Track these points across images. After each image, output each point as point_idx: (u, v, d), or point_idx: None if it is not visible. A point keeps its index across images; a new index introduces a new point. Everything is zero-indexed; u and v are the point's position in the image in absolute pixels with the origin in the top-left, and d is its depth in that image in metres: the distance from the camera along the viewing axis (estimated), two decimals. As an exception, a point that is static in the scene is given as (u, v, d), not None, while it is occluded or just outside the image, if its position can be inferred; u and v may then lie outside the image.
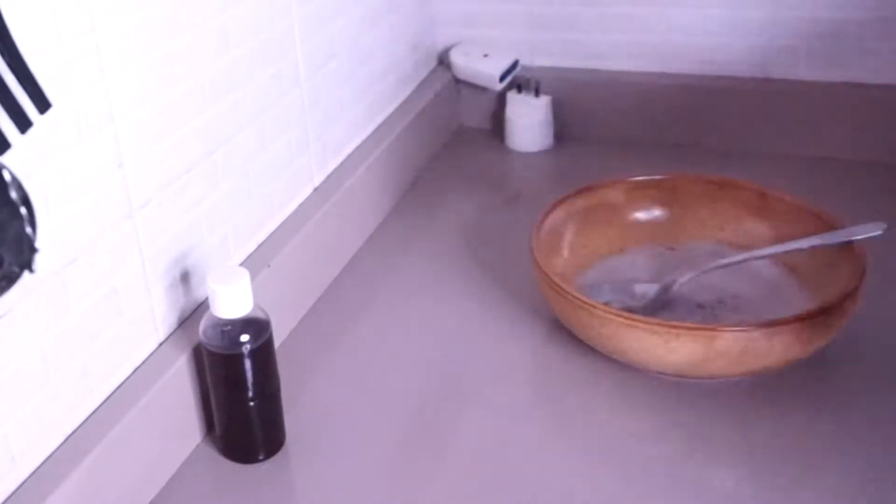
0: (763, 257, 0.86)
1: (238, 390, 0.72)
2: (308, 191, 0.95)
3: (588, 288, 0.86)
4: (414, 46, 1.17)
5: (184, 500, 0.71)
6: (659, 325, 0.74)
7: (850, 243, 0.81)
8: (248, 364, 0.71)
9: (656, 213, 0.93)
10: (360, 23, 1.01)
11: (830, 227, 0.84)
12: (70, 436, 0.66)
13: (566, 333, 0.83)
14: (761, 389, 0.78)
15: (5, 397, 0.60)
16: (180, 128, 0.74)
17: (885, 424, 0.74)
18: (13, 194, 0.52)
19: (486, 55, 1.21)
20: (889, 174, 1.07)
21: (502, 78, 1.19)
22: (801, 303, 0.81)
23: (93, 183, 0.65)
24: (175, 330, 0.76)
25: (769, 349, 0.74)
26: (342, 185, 0.97)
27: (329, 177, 0.98)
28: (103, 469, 0.66)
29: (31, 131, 0.55)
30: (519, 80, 1.20)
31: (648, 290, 0.86)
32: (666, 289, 0.85)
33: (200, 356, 0.73)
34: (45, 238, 0.60)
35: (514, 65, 1.20)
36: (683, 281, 0.85)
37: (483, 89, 1.22)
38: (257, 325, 0.71)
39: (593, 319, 0.77)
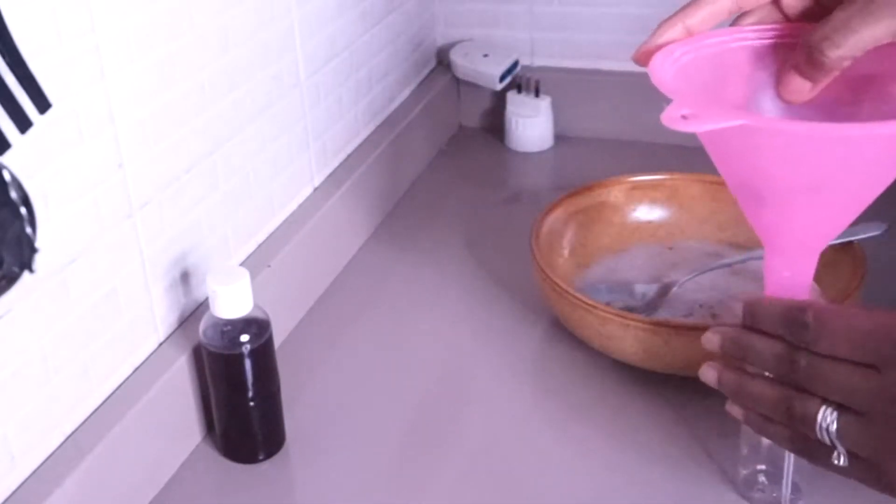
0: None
1: (238, 390, 0.72)
2: (308, 191, 0.95)
3: (588, 288, 0.86)
4: (414, 46, 1.17)
5: (184, 500, 0.71)
6: (659, 324, 0.74)
7: (850, 243, 0.81)
8: (248, 364, 0.71)
9: (656, 212, 0.93)
10: (360, 23, 1.01)
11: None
12: (70, 436, 0.66)
13: (566, 333, 0.83)
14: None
15: (5, 397, 0.60)
16: (180, 128, 0.74)
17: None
18: (13, 194, 0.52)
19: (486, 55, 1.20)
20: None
21: (502, 78, 1.19)
22: (801, 303, 0.81)
23: (93, 183, 0.65)
24: (175, 330, 0.76)
25: (769, 349, 0.73)
26: (342, 185, 0.97)
27: (329, 177, 0.98)
28: (103, 469, 0.66)
29: (31, 131, 0.55)
30: (519, 80, 1.20)
31: (648, 289, 0.86)
32: (666, 289, 0.85)
33: (200, 356, 0.73)
34: (45, 238, 0.60)
35: (514, 65, 1.20)
36: (683, 281, 0.85)
37: (483, 89, 1.22)
38: (257, 325, 0.71)
39: (593, 319, 0.77)
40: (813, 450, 0.56)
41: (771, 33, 0.62)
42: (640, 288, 0.87)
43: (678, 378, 0.78)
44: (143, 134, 0.70)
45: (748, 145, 0.55)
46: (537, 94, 1.19)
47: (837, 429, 0.53)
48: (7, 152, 0.54)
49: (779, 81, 0.60)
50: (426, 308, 0.91)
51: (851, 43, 0.55)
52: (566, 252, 0.89)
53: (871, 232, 0.81)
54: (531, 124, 1.19)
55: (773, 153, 0.55)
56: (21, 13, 0.56)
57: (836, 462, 0.54)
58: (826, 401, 0.54)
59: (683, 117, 0.52)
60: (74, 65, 0.62)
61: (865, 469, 0.53)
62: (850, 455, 0.53)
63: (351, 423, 0.77)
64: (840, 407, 0.53)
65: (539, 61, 1.22)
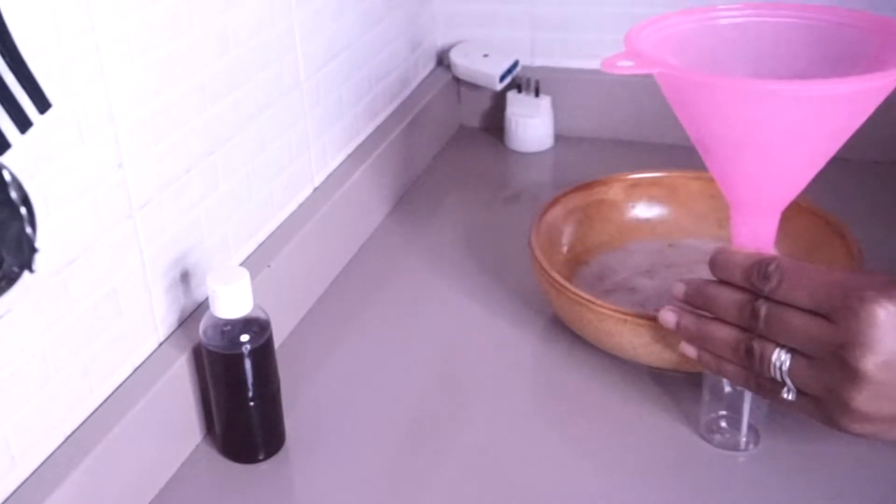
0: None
1: (238, 390, 0.72)
2: (308, 191, 0.95)
3: (587, 284, 0.86)
4: (414, 46, 1.17)
5: (184, 500, 0.71)
6: (656, 321, 0.74)
7: (846, 237, 0.81)
8: (248, 364, 0.71)
9: (655, 210, 0.93)
10: (360, 23, 1.01)
11: (827, 223, 0.84)
12: (70, 436, 0.66)
13: (566, 330, 0.83)
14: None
15: (5, 397, 0.60)
16: (180, 128, 0.74)
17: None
18: (13, 194, 0.53)
19: (486, 55, 1.21)
20: (885, 171, 1.07)
21: (502, 78, 1.19)
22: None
23: (93, 183, 0.65)
24: (175, 330, 0.76)
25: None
26: (342, 185, 0.97)
27: (329, 177, 0.98)
28: (103, 469, 0.66)
29: (31, 131, 0.55)
30: (519, 80, 1.20)
31: (647, 286, 0.86)
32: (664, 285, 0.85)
33: (200, 356, 0.73)
34: (45, 238, 0.60)
35: (514, 65, 1.20)
36: (682, 278, 0.85)
37: (483, 89, 1.22)
38: (257, 325, 0.71)
39: (592, 315, 0.77)
40: (764, 386, 0.63)
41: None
42: (638, 284, 0.87)
43: (675, 373, 0.78)
44: (143, 134, 0.70)
45: (679, 98, 0.63)
46: (537, 94, 1.19)
47: (789, 368, 0.61)
48: (7, 152, 0.54)
49: None
50: (426, 307, 0.92)
51: None
52: (565, 248, 0.89)
53: None
54: (531, 124, 1.19)
55: (695, 104, 0.63)
56: (21, 13, 0.57)
57: (785, 396, 0.62)
58: (780, 344, 0.61)
59: (619, 66, 0.61)
60: (74, 65, 0.62)
61: (809, 404, 0.61)
62: (798, 392, 0.61)
63: (351, 423, 0.77)
64: (792, 350, 0.60)
65: (539, 61, 1.22)
